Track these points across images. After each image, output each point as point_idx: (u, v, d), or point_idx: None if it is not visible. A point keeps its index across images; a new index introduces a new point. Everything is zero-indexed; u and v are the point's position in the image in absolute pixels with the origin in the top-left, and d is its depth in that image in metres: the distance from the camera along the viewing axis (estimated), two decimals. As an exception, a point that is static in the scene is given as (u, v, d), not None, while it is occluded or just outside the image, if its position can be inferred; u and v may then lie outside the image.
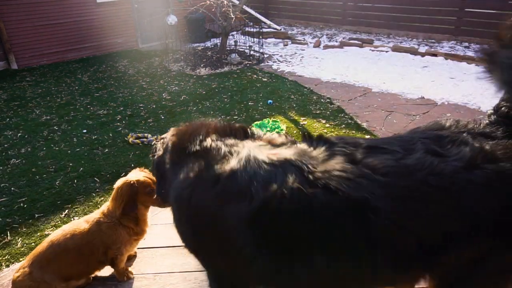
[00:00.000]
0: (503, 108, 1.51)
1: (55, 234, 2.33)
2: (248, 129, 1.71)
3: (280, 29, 10.93)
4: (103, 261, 2.40)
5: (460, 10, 8.50)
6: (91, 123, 5.42)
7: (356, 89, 6.52)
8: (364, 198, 1.27)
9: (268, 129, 4.81)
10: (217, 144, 1.59)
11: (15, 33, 8.09)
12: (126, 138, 4.82)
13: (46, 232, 3.13)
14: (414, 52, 8.21)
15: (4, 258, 2.87)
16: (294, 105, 5.84)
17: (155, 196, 2.02)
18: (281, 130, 4.80)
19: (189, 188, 1.53)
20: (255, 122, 5.06)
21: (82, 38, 9.08)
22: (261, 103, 5.99)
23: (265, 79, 7.18)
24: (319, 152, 1.44)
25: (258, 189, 1.36)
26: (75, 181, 3.94)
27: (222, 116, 5.51)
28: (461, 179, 1.29)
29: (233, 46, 9.28)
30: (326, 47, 9.32)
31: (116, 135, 5.02)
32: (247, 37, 9.25)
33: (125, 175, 2.51)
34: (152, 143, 2.07)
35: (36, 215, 3.38)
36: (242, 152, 1.50)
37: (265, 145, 1.58)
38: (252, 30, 8.95)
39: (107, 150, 4.61)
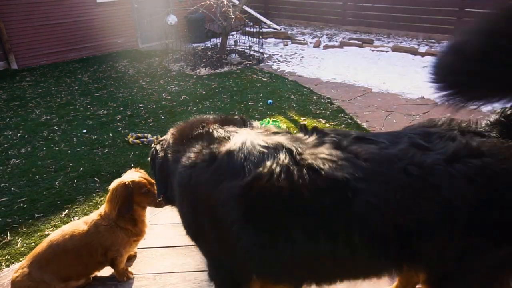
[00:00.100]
0: (509, 111, 1.50)
1: (54, 234, 2.33)
2: (247, 119, 1.83)
3: (280, 29, 10.93)
4: (103, 262, 2.40)
5: (460, 10, 8.50)
6: (91, 123, 5.42)
7: (356, 89, 6.51)
8: (344, 178, 1.34)
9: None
10: (217, 130, 1.72)
11: (15, 33, 8.09)
12: (126, 138, 4.82)
13: (46, 232, 3.13)
14: (414, 52, 8.21)
15: (4, 258, 2.87)
16: (294, 105, 5.84)
17: (159, 198, 2.02)
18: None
19: (189, 168, 1.61)
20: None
21: (82, 38, 9.08)
22: (261, 103, 5.99)
23: (265, 79, 7.18)
24: (311, 139, 1.54)
25: (251, 167, 1.44)
26: (75, 181, 3.94)
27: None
28: (440, 170, 1.31)
29: (233, 46, 9.28)
30: (326, 47, 9.32)
31: (116, 135, 5.01)
32: (247, 37, 9.25)
33: (125, 175, 2.50)
34: (152, 144, 2.07)
35: (36, 215, 3.38)
36: (240, 136, 1.60)
37: (262, 132, 1.68)
38: (252, 30, 8.95)
39: (107, 150, 4.61)
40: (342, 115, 5.41)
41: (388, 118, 5.24)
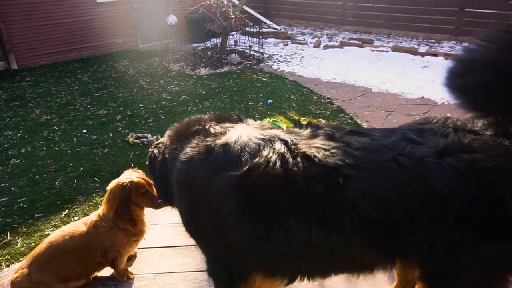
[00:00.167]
0: None
1: (54, 235, 2.33)
2: (242, 116, 1.89)
3: (280, 29, 10.93)
4: (102, 262, 2.39)
5: (460, 10, 8.50)
6: (91, 123, 5.42)
7: (356, 89, 6.51)
8: (336, 164, 1.38)
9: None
10: (214, 127, 1.76)
11: (15, 33, 8.09)
12: (126, 138, 4.82)
13: (46, 232, 3.13)
14: (414, 52, 8.21)
15: (4, 258, 2.87)
16: (294, 105, 5.84)
17: (159, 200, 2.02)
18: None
19: (186, 163, 1.64)
20: (255, 122, 5.05)
21: (82, 38, 9.08)
22: (261, 103, 5.99)
23: (265, 79, 7.18)
24: (305, 132, 1.61)
25: (247, 158, 1.48)
26: (75, 181, 3.94)
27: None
28: (430, 163, 1.34)
29: (233, 46, 9.28)
30: (326, 47, 9.32)
31: (116, 135, 5.01)
32: (247, 37, 9.25)
33: (125, 175, 2.50)
34: (150, 148, 2.07)
35: (36, 215, 3.38)
36: (236, 130, 1.66)
37: (258, 127, 1.74)
38: (252, 30, 8.94)
39: (107, 150, 4.61)
40: (342, 115, 5.41)
41: (388, 118, 5.24)
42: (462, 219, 1.35)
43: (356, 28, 10.36)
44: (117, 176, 2.45)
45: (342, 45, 9.28)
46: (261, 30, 8.82)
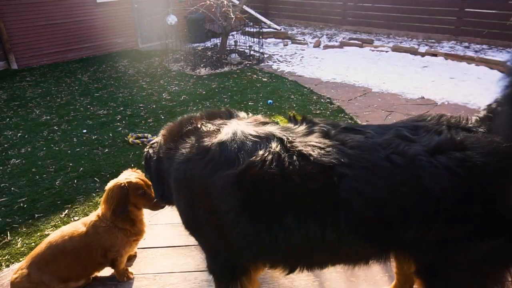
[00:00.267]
0: (493, 105, 1.54)
1: (53, 235, 2.32)
2: (233, 111, 1.90)
3: (280, 29, 10.93)
4: (102, 262, 2.39)
5: (460, 10, 8.50)
6: (91, 123, 5.42)
7: (356, 89, 6.51)
8: (331, 163, 1.41)
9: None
10: (206, 125, 1.77)
11: (15, 33, 8.09)
12: (126, 138, 4.82)
13: (46, 232, 3.13)
14: (414, 52, 8.21)
15: (4, 258, 2.87)
16: (294, 105, 5.84)
17: (154, 200, 2.03)
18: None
19: (184, 163, 1.66)
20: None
21: (82, 38, 9.08)
22: (261, 103, 5.99)
23: (265, 79, 7.18)
24: (300, 129, 1.62)
25: (244, 157, 1.50)
26: (75, 181, 3.94)
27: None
28: (422, 161, 1.35)
29: (233, 46, 9.28)
30: (326, 47, 9.32)
31: (116, 135, 5.01)
32: (247, 37, 9.25)
33: (125, 175, 2.50)
34: (145, 148, 2.08)
35: (36, 215, 3.38)
36: (229, 127, 1.66)
37: (251, 122, 1.74)
38: (252, 30, 8.94)
39: (107, 150, 4.61)
40: (342, 115, 5.41)
41: (388, 118, 5.24)
42: (454, 216, 1.37)
43: (356, 28, 10.36)
44: (117, 176, 2.45)
45: (342, 45, 9.28)
46: (261, 30, 8.83)
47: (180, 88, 6.85)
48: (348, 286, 2.37)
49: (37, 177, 4.03)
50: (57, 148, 4.69)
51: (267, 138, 1.55)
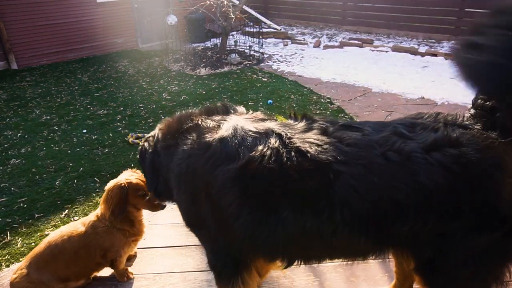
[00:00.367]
0: (479, 101, 1.56)
1: (53, 235, 2.32)
2: (229, 105, 1.94)
3: (280, 29, 10.93)
4: (101, 263, 2.39)
5: (460, 10, 8.50)
6: (91, 123, 5.42)
7: (356, 89, 6.51)
8: (328, 160, 1.43)
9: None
10: (206, 121, 1.80)
11: (15, 33, 8.09)
12: (126, 138, 4.82)
13: (46, 232, 3.13)
14: (414, 52, 8.21)
15: (4, 258, 2.87)
16: (294, 105, 5.84)
17: (149, 193, 2.03)
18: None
19: (185, 159, 1.69)
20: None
21: (82, 38, 9.08)
22: (261, 103, 5.99)
23: (265, 79, 7.18)
24: (300, 125, 1.64)
25: (245, 152, 1.53)
26: (75, 181, 3.94)
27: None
28: (418, 158, 1.37)
29: (233, 46, 9.28)
30: (326, 47, 9.32)
31: (116, 135, 5.01)
32: (247, 37, 9.25)
33: (125, 175, 2.49)
34: (140, 142, 2.09)
35: (36, 215, 3.38)
36: (229, 123, 1.68)
37: (250, 118, 1.76)
38: (252, 30, 8.95)
39: (107, 150, 4.61)
40: (342, 115, 5.41)
41: (388, 118, 5.24)
42: (450, 212, 1.39)
43: (356, 28, 10.36)
44: (117, 176, 2.45)
45: (342, 45, 9.28)
46: (261, 30, 8.83)
47: (180, 88, 6.85)
48: (348, 286, 2.37)
49: (37, 177, 4.03)
50: (57, 148, 4.69)
51: (266, 134, 1.58)
